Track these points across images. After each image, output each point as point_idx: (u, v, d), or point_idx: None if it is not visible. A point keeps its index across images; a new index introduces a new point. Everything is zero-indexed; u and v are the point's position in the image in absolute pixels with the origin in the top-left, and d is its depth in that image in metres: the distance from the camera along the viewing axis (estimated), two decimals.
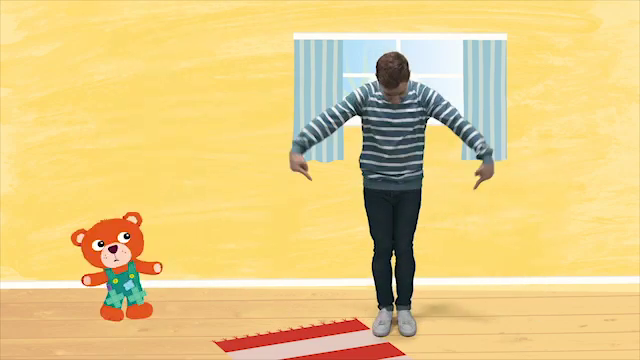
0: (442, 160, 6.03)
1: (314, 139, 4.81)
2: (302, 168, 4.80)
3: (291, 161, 4.81)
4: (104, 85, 6.04)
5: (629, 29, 6.00)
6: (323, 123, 4.81)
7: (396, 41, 6.09)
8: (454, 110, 4.81)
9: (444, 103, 4.81)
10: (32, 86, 6.03)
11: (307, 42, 5.98)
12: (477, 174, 4.83)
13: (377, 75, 4.68)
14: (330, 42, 5.98)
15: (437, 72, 6.18)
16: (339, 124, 4.84)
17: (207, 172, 6.10)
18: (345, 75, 6.12)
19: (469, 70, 6.03)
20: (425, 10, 5.99)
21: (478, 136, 4.78)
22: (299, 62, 6.00)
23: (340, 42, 5.98)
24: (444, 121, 4.81)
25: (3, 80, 6.01)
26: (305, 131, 4.80)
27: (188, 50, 6.02)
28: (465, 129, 4.79)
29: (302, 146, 4.79)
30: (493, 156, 4.83)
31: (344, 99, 4.84)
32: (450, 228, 6.10)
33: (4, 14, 5.96)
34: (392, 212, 4.97)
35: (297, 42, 5.99)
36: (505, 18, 6.01)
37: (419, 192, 4.97)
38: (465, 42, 6.01)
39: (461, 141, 5.93)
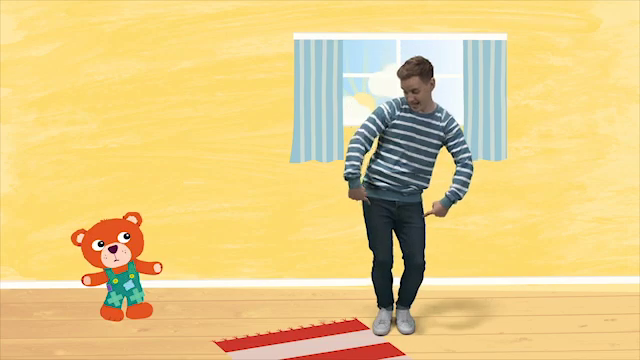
0: (442, 160, 6.01)
1: (361, 166, 4.82)
2: (364, 196, 4.86)
3: (356, 193, 4.81)
4: (104, 85, 6.04)
5: (629, 29, 6.00)
6: (364, 149, 4.80)
7: (396, 41, 6.09)
8: (467, 151, 4.89)
9: (462, 139, 4.88)
10: (32, 86, 6.03)
11: (307, 42, 5.98)
12: (433, 208, 4.93)
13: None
14: (330, 42, 5.98)
15: (437, 72, 6.16)
16: (373, 138, 4.86)
17: (207, 172, 6.10)
18: (345, 75, 6.12)
19: (469, 70, 6.03)
20: (425, 10, 6.00)
21: (463, 183, 4.87)
22: (299, 62, 6.00)
23: (340, 42, 5.98)
24: (453, 155, 4.90)
25: (3, 80, 6.01)
26: (355, 163, 4.75)
27: (188, 50, 6.02)
28: (461, 171, 4.89)
29: (358, 177, 4.78)
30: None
31: (372, 116, 4.82)
32: (450, 228, 6.11)
33: (4, 14, 5.96)
34: (392, 225, 4.95)
35: (297, 42, 5.99)
36: (505, 18, 6.01)
37: (421, 205, 4.99)
38: (465, 42, 6.01)
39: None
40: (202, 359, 4.77)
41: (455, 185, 4.88)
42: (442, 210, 4.92)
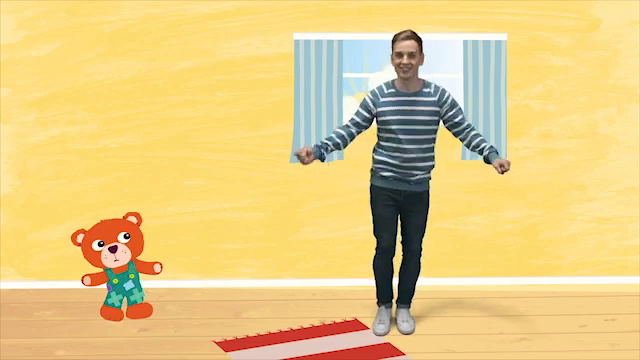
0: (442, 160, 6.03)
1: (332, 145, 4.80)
2: (304, 153, 4.66)
3: (303, 151, 4.66)
4: (104, 85, 6.04)
5: (629, 29, 6.00)
6: (342, 133, 4.82)
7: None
8: (465, 116, 4.88)
9: (458, 107, 4.86)
10: (32, 86, 6.03)
11: (307, 42, 5.98)
12: (500, 166, 4.60)
13: (392, 45, 4.77)
14: (330, 42, 5.98)
15: (437, 72, 6.17)
16: (361, 128, 4.86)
17: (207, 172, 6.10)
18: (345, 75, 6.12)
19: (469, 70, 6.03)
20: (425, 10, 6.00)
21: (485, 140, 4.82)
22: (299, 62, 6.00)
23: (340, 42, 5.98)
24: (456, 125, 4.85)
25: (3, 80, 6.01)
26: (326, 139, 4.81)
27: (188, 50, 6.02)
28: (474, 133, 4.84)
29: (320, 147, 4.75)
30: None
31: (358, 107, 4.89)
32: (450, 228, 6.11)
33: (4, 14, 5.96)
34: (397, 214, 4.96)
35: (297, 42, 5.99)
36: (505, 18, 6.01)
37: (428, 194, 4.98)
38: (465, 42, 6.01)
39: (461, 141, 5.95)
40: (202, 359, 4.77)
41: (484, 143, 4.77)
42: (501, 159, 4.63)
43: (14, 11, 5.97)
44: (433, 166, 4.92)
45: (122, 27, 6.00)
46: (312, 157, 4.67)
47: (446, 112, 4.83)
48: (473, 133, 4.84)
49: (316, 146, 4.74)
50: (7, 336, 5.07)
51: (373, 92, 4.85)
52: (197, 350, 4.88)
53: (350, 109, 6.24)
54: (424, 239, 5.06)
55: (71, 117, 6.05)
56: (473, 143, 4.82)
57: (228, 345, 4.93)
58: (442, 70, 6.19)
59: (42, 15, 5.98)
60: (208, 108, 6.07)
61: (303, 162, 4.65)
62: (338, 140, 4.81)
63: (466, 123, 4.86)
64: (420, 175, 4.87)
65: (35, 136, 6.05)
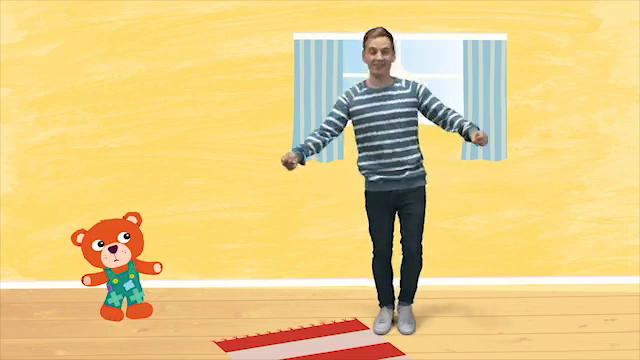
0: (442, 160, 6.04)
1: (313, 146, 4.83)
2: (291, 159, 4.66)
3: (287, 158, 4.67)
4: (104, 85, 6.04)
5: (629, 29, 6.00)
6: (318, 134, 4.87)
7: (396, 41, 6.08)
8: (442, 102, 4.87)
9: (432, 95, 4.87)
10: (32, 86, 6.03)
11: (307, 42, 5.98)
12: (477, 139, 4.59)
13: (364, 42, 4.83)
14: (330, 42, 5.98)
15: (437, 72, 6.17)
16: (337, 129, 4.89)
17: (207, 172, 6.10)
18: (345, 75, 6.12)
19: (469, 70, 6.03)
20: (425, 10, 6.00)
21: (465, 119, 4.78)
22: (299, 62, 6.00)
23: (340, 42, 5.99)
24: (434, 111, 4.84)
25: (3, 80, 6.01)
26: (303, 142, 4.86)
27: (188, 50, 6.02)
28: (452, 116, 4.82)
29: (300, 149, 4.77)
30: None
31: (332, 108, 4.94)
32: (450, 228, 6.11)
33: (4, 14, 5.96)
34: (394, 215, 4.96)
35: (297, 42, 5.99)
36: (505, 18, 6.01)
37: (423, 189, 4.94)
38: (465, 42, 6.01)
39: (461, 142, 5.96)
40: (202, 359, 4.77)
41: (464, 122, 4.73)
42: (478, 133, 4.58)
43: (14, 11, 5.97)
44: (419, 158, 4.87)
45: (122, 27, 6.00)
46: (297, 161, 4.71)
47: (422, 102, 4.85)
48: (452, 117, 4.82)
49: (297, 149, 4.76)
50: (7, 336, 5.07)
51: (347, 92, 4.92)
52: (197, 350, 4.88)
53: None
54: (424, 238, 5.05)
55: (71, 117, 6.05)
56: (454, 125, 4.80)
57: (228, 345, 4.93)
58: (442, 70, 6.19)
59: (42, 15, 5.98)
60: (208, 108, 6.07)
61: (290, 168, 4.67)
62: (318, 140, 4.86)
63: (444, 109, 4.84)
64: (409, 171, 4.84)
65: (35, 136, 6.05)
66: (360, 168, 4.94)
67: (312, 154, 4.86)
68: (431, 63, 6.23)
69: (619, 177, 6.09)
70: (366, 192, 4.97)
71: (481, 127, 6.00)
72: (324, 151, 6.04)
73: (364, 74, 6.25)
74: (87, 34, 6.00)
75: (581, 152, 6.09)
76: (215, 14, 6.01)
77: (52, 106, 6.04)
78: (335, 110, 4.90)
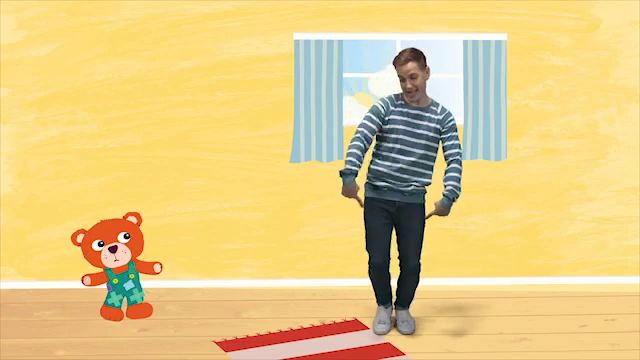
0: (442, 160, 6.02)
1: (360, 165, 4.80)
2: (358, 195, 4.81)
3: (348, 190, 4.76)
4: (104, 85, 6.04)
5: (629, 29, 6.00)
6: (363, 146, 4.78)
7: (396, 41, 6.09)
8: (459, 147, 4.88)
9: (455, 134, 4.88)
10: (32, 86, 6.03)
11: (307, 42, 5.98)
12: (435, 209, 4.89)
13: (395, 68, 4.81)
14: (330, 42, 5.98)
15: (437, 72, 6.17)
16: (374, 136, 4.86)
17: (207, 172, 6.10)
18: (345, 75, 6.12)
19: (469, 70, 6.03)
20: (425, 10, 6.00)
21: (458, 180, 4.86)
22: (299, 62, 6.00)
23: (340, 42, 5.98)
24: (445, 148, 4.88)
25: (3, 80, 6.01)
26: (353, 159, 4.74)
27: (188, 50, 6.02)
28: (453, 167, 4.88)
29: (356, 175, 4.76)
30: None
31: (368, 114, 4.84)
32: (450, 228, 6.11)
33: (4, 14, 5.96)
34: (391, 227, 4.94)
35: (297, 42, 5.99)
36: (505, 18, 6.01)
37: (423, 207, 4.95)
38: (465, 42, 6.01)
39: (461, 142, 5.95)
40: (202, 359, 4.77)
41: (451, 182, 4.85)
42: (443, 210, 4.88)
43: (14, 11, 5.97)
44: (429, 183, 4.92)
45: (122, 27, 6.00)
46: (358, 189, 4.79)
47: (442, 133, 4.86)
48: (450, 167, 4.87)
49: (352, 174, 4.73)
50: (7, 336, 5.06)
51: (384, 100, 4.84)
52: (197, 350, 4.88)
53: (350, 109, 6.24)
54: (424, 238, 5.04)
55: (71, 117, 6.05)
56: (444, 179, 4.87)
57: (228, 345, 4.93)
58: (442, 70, 6.18)
59: (42, 15, 5.98)
60: (208, 108, 6.07)
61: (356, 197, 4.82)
62: (362, 153, 4.79)
63: (450, 158, 4.88)
64: (414, 186, 4.86)
65: (35, 136, 6.05)
66: (370, 170, 4.92)
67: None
68: (431, 63, 6.23)
69: (619, 177, 6.09)
70: (366, 199, 4.95)
71: (481, 127, 6.01)
72: (324, 151, 6.04)
73: (364, 74, 6.26)
74: (87, 34, 6.00)
75: (581, 152, 6.09)
76: (215, 14, 6.01)
77: (52, 106, 6.04)
78: (374, 117, 4.80)
